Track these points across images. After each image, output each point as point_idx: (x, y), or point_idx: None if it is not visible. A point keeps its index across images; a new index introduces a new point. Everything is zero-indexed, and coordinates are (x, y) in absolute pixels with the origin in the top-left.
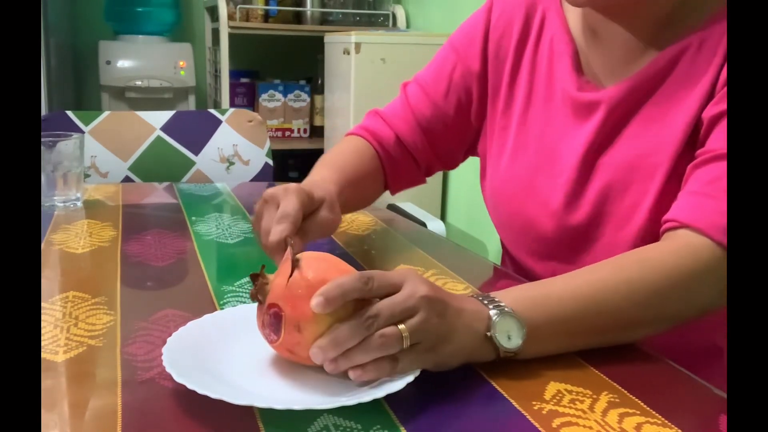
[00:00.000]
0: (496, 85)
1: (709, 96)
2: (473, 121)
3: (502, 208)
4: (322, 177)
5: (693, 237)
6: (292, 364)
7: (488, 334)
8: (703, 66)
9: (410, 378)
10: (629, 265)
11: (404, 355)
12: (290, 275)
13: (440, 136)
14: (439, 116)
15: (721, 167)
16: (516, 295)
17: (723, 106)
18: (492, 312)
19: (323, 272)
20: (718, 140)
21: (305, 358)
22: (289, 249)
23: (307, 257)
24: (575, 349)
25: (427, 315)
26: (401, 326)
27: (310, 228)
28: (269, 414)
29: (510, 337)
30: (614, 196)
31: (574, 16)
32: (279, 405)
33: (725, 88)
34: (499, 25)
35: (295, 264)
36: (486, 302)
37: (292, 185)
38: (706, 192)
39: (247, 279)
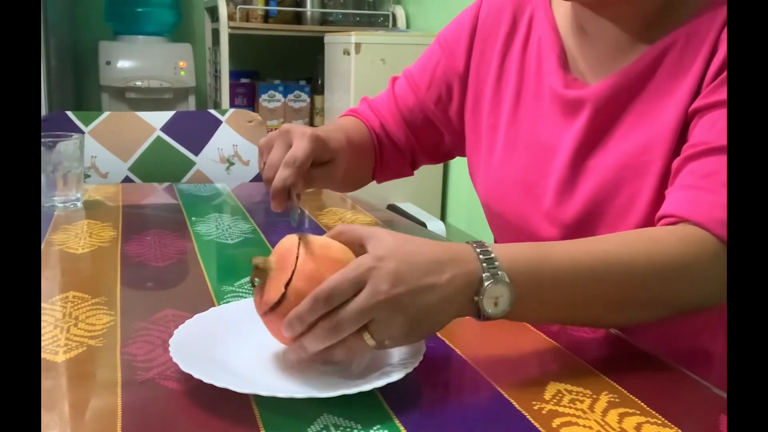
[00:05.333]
0: (480, 85)
1: (698, 90)
2: (453, 118)
3: (495, 206)
4: (333, 131)
5: (695, 230)
6: None
7: (475, 299)
8: (690, 61)
9: (409, 369)
10: (635, 241)
11: (372, 328)
12: (297, 257)
13: (422, 128)
14: (420, 107)
15: (717, 161)
16: (514, 256)
17: (711, 98)
18: (485, 275)
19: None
20: (709, 132)
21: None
22: (297, 242)
23: (311, 248)
24: (559, 322)
25: (373, 287)
26: (350, 305)
27: (317, 176)
28: (269, 414)
29: (497, 304)
30: (607, 195)
31: (562, 14)
32: (282, 393)
33: (713, 83)
34: (486, 25)
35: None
36: (482, 258)
37: (309, 129)
38: (704, 186)
39: (247, 279)
